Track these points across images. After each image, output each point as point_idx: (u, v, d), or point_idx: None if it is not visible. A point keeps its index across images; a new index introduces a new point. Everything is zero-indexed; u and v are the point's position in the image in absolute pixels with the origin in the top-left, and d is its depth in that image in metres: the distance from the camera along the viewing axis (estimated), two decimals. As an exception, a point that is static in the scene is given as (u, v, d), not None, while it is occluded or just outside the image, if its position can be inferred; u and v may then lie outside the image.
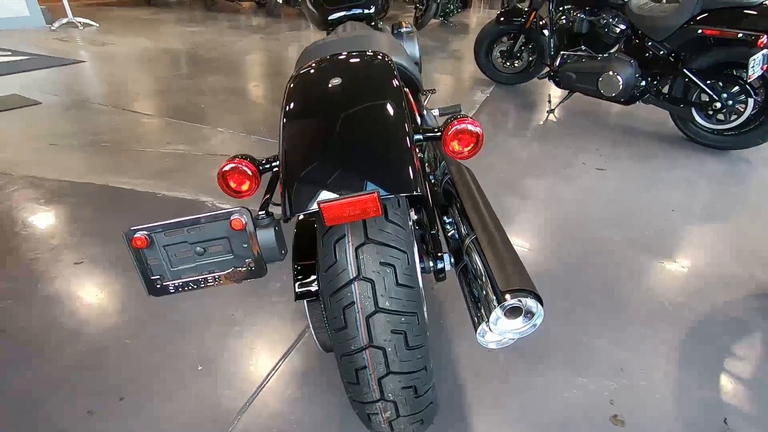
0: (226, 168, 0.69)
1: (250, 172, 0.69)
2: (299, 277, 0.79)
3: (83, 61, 4.23)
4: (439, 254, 0.91)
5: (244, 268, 0.69)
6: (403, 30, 1.60)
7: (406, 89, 0.95)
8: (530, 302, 0.64)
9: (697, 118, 2.68)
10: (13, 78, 3.62)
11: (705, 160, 2.58)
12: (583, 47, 3.07)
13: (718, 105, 2.52)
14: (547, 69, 3.27)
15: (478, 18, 8.32)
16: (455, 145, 0.72)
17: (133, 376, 1.14)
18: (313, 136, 0.67)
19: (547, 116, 3.19)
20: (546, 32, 3.28)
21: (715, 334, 1.34)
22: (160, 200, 1.92)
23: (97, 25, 6.04)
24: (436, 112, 1.93)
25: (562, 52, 3.14)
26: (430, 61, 4.75)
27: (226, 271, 0.69)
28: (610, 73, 2.79)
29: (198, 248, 0.68)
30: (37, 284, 1.41)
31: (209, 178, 2.13)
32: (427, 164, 1.32)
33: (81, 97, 3.20)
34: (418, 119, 0.86)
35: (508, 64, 3.71)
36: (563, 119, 3.15)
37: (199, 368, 1.16)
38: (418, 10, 6.62)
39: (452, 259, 0.88)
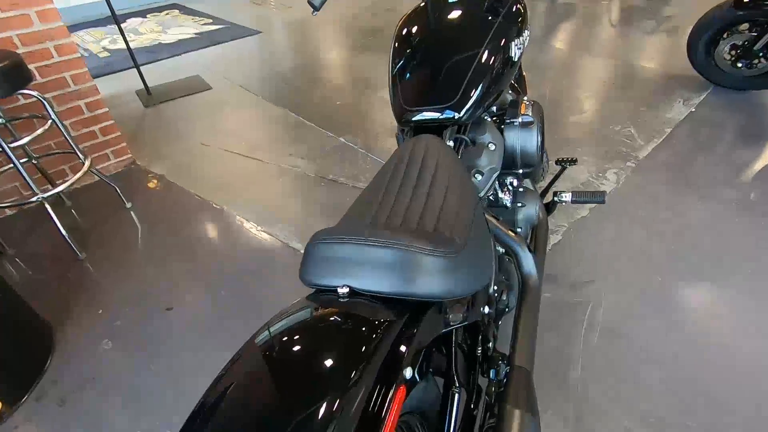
0: None
1: None
2: None
3: (260, 32, 4.54)
4: None
5: None
6: (518, 121, 1.14)
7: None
8: None
9: None
10: (204, 53, 4.11)
11: None
12: None
13: None
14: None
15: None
16: None
17: None
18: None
19: (783, 162, 2.17)
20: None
21: None
22: (247, 234, 1.97)
23: (286, -18, 6.37)
24: (567, 197, 1.45)
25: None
26: (624, 34, 3.68)
27: None
28: None
29: None
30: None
31: (303, 215, 2.09)
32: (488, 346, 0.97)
33: (243, 82, 3.45)
34: None
35: (740, 64, 2.59)
36: (810, 171, 2.10)
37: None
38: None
39: None
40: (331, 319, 0.64)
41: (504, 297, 1.04)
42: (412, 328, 0.65)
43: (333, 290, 0.69)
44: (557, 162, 1.53)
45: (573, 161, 1.50)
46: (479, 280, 0.75)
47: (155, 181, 2.39)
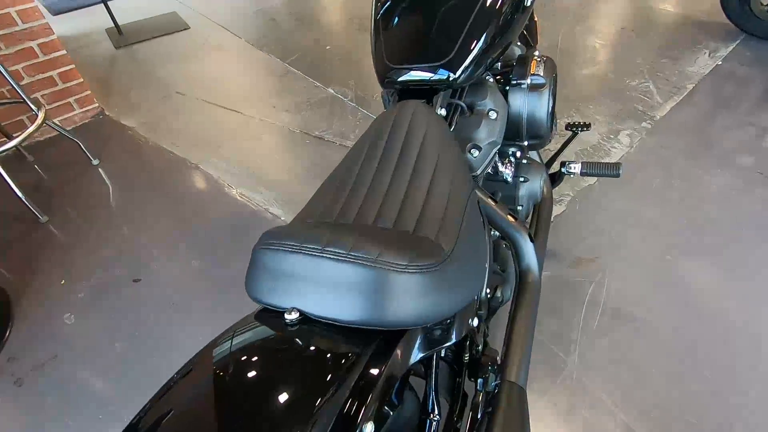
0: None
1: None
2: None
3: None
4: None
5: None
6: (526, 83, 0.94)
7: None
8: None
9: None
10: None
11: None
12: None
13: None
14: None
15: None
16: None
17: None
18: None
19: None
20: None
21: None
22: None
23: None
24: (576, 168, 1.28)
25: None
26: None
27: None
28: None
29: None
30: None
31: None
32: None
33: (225, 21, 3.13)
34: None
35: (779, 10, 2.31)
36: (844, 136, 1.91)
37: None
38: None
39: None
40: (273, 353, 0.51)
41: (498, 293, 0.91)
42: (377, 367, 0.51)
43: (281, 312, 0.54)
44: (568, 126, 1.34)
45: (586, 126, 1.31)
46: (469, 293, 0.61)
47: (125, 135, 2.18)
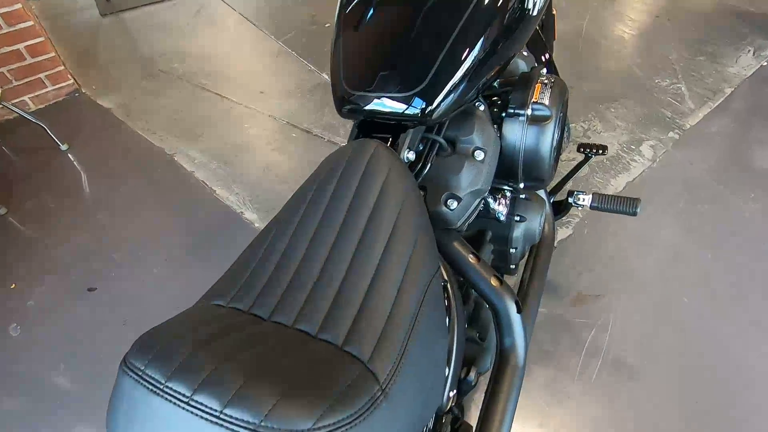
0: None
1: None
2: None
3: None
4: None
5: None
6: (525, 114, 0.74)
7: None
8: None
9: None
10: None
11: None
12: None
13: None
14: None
15: None
16: None
17: None
18: None
19: None
20: None
21: None
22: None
23: None
24: (586, 201, 1.09)
25: None
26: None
27: None
28: None
29: None
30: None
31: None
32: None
33: (219, -10, 2.89)
34: None
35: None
36: None
37: None
38: None
39: None
40: None
41: (471, 375, 0.74)
42: None
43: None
44: (580, 148, 1.14)
45: (601, 150, 1.11)
46: (416, 426, 0.45)
47: (100, 117, 2.02)
